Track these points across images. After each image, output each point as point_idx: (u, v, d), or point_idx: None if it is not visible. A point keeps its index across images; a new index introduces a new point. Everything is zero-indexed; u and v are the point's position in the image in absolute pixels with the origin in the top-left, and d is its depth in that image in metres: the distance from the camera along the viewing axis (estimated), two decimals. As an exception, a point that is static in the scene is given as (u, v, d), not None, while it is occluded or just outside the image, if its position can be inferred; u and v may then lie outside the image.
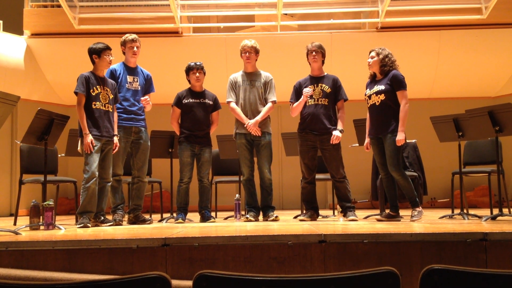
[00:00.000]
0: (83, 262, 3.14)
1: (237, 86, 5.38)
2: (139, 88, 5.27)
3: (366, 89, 5.03)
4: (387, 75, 4.86)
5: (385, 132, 4.80)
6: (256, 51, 5.40)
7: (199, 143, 5.34)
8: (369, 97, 4.94)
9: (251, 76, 5.40)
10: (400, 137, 4.70)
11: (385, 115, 4.81)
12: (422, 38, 8.30)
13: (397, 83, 4.79)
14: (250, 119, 5.27)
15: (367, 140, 5.07)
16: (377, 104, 4.85)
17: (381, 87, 4.83)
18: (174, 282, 2.85)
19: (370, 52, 4.98)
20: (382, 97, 4.81)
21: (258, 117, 5.26)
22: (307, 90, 5.17)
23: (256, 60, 5.46)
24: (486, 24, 8.07)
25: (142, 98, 5.20)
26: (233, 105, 5.35)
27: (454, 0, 7.97)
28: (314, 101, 5.20)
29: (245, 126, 5.24)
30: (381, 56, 4.88)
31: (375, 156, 5.02)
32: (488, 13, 7.82)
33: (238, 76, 5.44)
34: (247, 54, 5.35)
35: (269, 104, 5.36)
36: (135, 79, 5.26)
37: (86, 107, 4.76)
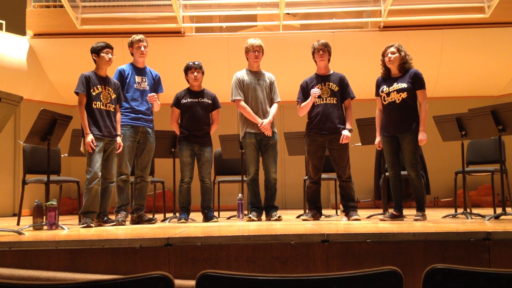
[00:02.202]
0: (86, 262, 3.15)
1: (245, 84, 5.34)
2: (147, 88, 5.28)
3: (381, 86, 4.96)
4: (406, 73, 4.83)
5: (406, 131, 4.77)
6: (263, 51, 5.40)
7: (199, 142, 5.34)
8: (388, 94, 4.88)
9: (257, 75, 5.38)
10: (423, 136, 4.71)
11: (405, 113, 4.78)
12: (425, 37, 8.28)
13: (419, 82, 4.78)
14: (260, 118, 5.25)
15: (378, 138, 5.05)
16: (397, 102, 4.80)
17: (403, 85, 4.79)
18: (177, 282, 2.85)
19: (389, 48, 4.89)
20: (404, 95, 4.77)
21: (271, 117, 5.25)
22: (315, 91, 5.13)
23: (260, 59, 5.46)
24: (489, 23, 8.05)
25: (149, 95, 5.20)
26: (243, 103, 5.29)
27: (457, -1, 7.98)
28: (323, 100, 5.16)
29: (259, 125, 5.21)
30: (402, 53, 4.85)
31: (386, 154, 4.96)
32: (491, 12, 7.80)
33: (243, 74, 5.40)
34: (256, 53, 5.33)
35: (276, 105, 5.36)
36: (143, 79, 5.27)
37: (87, 107, 4.77)
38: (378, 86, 5.02)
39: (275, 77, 5.49)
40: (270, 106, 5.35)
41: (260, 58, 5.38)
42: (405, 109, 4.79)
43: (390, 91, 4.85)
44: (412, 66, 4.88)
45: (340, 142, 5.07)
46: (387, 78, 4.95)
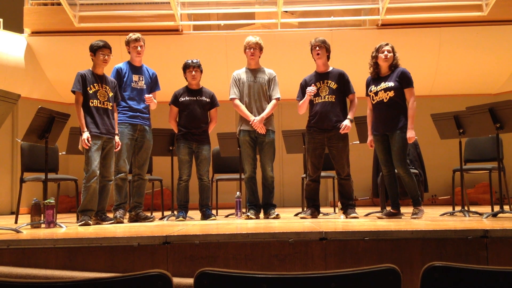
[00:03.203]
0: (84, 260, 3.14)
1: (241, 82, 5.35)
2: (145, 87, 5.28)
3: (370, 85, 4.98)
4: (394, 72, 4.85)
5: (394, 129, 4.77)
6: (260, 48, 5.39)
7: (196, 140, 5.34)
8: (375, 93, 4.89)
9: (255, 73, 5.38)
10: (411, 134, 4.72)
11: (394, 112, 4.79)
12: (423, 35, 8.29)
13: (407, 81, 4.80)
14: (254, 116, 5.24)
15: (370, 137, 5.05)
16: (385, 100, 4.81)
17: (390, 83, 4.81)
18: (175, 280, 2.85)
19: (385, 45, 4.88)
20: (391, 94, 4.78)
21: (263, 114, 5.23)
22: (310, 89, 5.13)
23: (260, 57, 5.44)
24: (487, 21, 8.06)
25: (146, 96, 5.21)
26: (237, 101, 5.31)
27: (455, -3, 7.99)
28: (321, 98, 5.15)
29: (250, 123, 5.22)
30: (396, 55, 4.88)
31: (379, 153, 4.97)
32: (489, 10, 7.81)
33: (241, 72, 5.41)
34: (252, 50, 5.33)
35: (273, 101, 5.33)
36: (140, 78, 5.27)
37: (84, 105, 4.75)
38: (367, 85, 5.04)
39: (276, 74, 5.48)
40: (269, 103, 5.34)
41: (257, 55, 5.38)
42: (393, 108, 4.80)
43: (378, 90, 4.87)
44: (400, 64, 4.91)
45: (341, 131, 5.03)
46: (376, 77, 4.97)
